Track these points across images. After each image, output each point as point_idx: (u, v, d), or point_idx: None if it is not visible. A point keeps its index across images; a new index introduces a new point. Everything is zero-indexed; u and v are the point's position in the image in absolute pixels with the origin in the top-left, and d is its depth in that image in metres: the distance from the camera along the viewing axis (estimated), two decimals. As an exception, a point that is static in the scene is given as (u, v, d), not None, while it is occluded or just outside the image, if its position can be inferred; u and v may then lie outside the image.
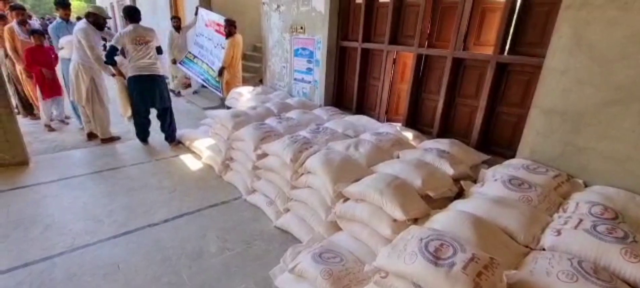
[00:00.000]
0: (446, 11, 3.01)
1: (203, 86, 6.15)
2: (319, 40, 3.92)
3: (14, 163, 3.14)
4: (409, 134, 3.02)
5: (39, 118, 4.55)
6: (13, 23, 3.99)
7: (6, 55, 4.20)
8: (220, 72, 5.27)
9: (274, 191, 2.62)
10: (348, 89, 4.04)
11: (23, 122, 4.54)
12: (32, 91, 4.33)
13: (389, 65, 3.50)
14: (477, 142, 2.88)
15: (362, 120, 3.42)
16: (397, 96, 3.68)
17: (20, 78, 4.32)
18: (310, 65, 4.16)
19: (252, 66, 6.92)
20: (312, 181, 2.32)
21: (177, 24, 6.57)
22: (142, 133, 3.87)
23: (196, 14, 6.18)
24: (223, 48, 5.36)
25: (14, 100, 4.61)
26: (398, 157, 2.56)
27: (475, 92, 2.92)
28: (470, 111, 2.96)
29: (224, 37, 5.24)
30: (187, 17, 7.23)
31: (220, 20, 5.33)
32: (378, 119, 3.59)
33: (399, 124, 3.45)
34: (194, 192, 2.94)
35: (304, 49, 4.19)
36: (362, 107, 3.93)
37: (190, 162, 3.56)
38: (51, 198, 2.71)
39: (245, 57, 7.46)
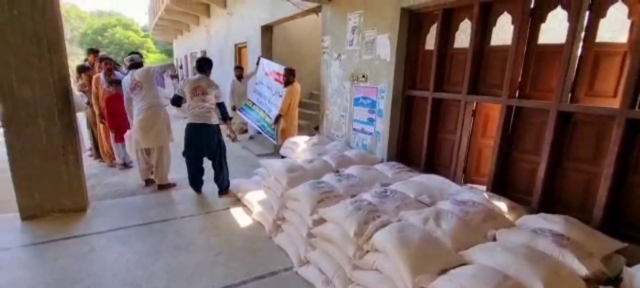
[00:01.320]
0: (545, 56, 2.49)
1: (259, 132, 6.16)
2: (383, 89, 3.59)
3: (73, 209, 3.16)
4: (501, 204, 2.40)
5: (105, 161, 4.79)
6: (101, 74, 4.35)
7: (88, 103, 4.57)
8: (276, 120, 5.18)
9: (332, 267, 2.17)
10: (415, 143, 3.57)
11: (93, 164, 4.83)
12: (104, 136, 4.60)
13: (468, 118, 2.99)
14: (600, 220, 2.18)
15: (434, 180, 2.89)
16: (478, 153, 3.11)
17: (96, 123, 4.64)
18: (371, 116, 3.81)
19: (308, 113, 6.83)
20: (381, 263, 1.84)
21: (239, 73, 6.85)
22: (193, 182, 3.79)
23: (258, 63, 6.40)
24: (281, 96, 5.32)
25: (89, 143, 4.95)
26: (495, 239, 1.97)
27: (594, 155, 2.26)
28: (588, 179, 2.29)
29: (282, 85, 5.22)
30: (249, 67, 7.55)
31: (280, 69, 5.36)
32: (453, 180, 3.03)
33: (482, 188, 2.84)
34: (240, 255, 2.61)
35: (365, 98, 3.89)
36: (433, 164, 3.40)
37: (241, 218, 3.30)
38: (98, 252, 2.58)
39: (301, 104, 7.45)
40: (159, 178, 3.98)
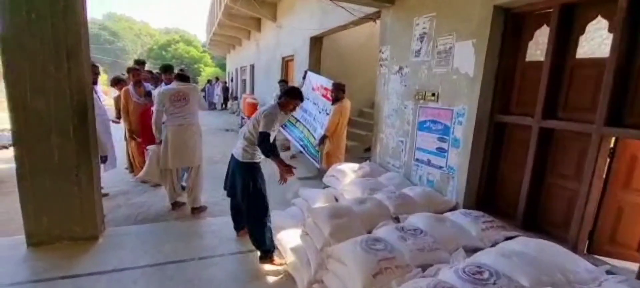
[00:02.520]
0: None
1: (301, 152, 5.56)
2: (461, 111, 2.73)
3: (84, 237, 2.75)
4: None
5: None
6: (130, 85, 4.08)
7: (119, 117, 4.31)
8: (321, 141, 4.52)
9: None
10: (508, 187, 2.63)
11: (126, 179, 4.55)
12: (136, 151, 4.29)
13: (602, 159, 2.02)
14: None
15: (548, 250, 1.92)
16: (617, 212, 2.10)
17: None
18: (442, 145, 2.95)
19: (357, 133, 6.08)
20: None
21: (284, 87, 6.35)
22: (232, 218, 3.04)
23: (304, 77, 5.86)
24: (327, 114, 4.67)
25: (127, 158, 4.70)
26: None
27: None
28: None
29: (330, 102, 4.58)
30: (295, 82, 7.08)
31: (328, 84, 4.73)
32: (574, 248, 2.05)
33: (622, 264, 1.84)
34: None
35: (434, 121, 3.04)
36: (537, 220, 2.43)
37: (269, 265, 2.62)
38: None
39: (350, 122, 6.74)
40: (192, 200, 3.54)
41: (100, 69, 4.19)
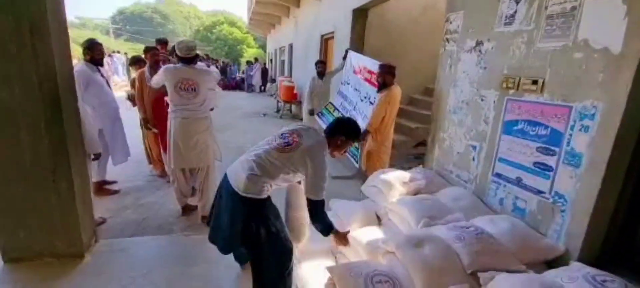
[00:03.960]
0: None
1: (339, 147, 4.74)
2: (590, 111, 1.71)
3: (68, 254, 2.26)
4: None
5: (156, 170, 4.02)
6: (145, 68, 3.53)
7: (130, 99, 3.81)
8: (363, 136, 3.67)
9: None
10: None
11: (143, 173, 4.11)
12: (152, 141, 3.79)
13: None
14: None
15: None
16: None
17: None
18: (547, 159, 1.96)
19: (406, 126, 5.09)
20: None
21: (321, 69, 5.52)
22: (234, 255, 2.20)
23: (345, 57, 4.98)
24: (371, 103, 3.80)
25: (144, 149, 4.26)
26: None
27: None
28: None
29: (375, 89, 3.68)
30: (334, 63, 6.20)
31: (374, 66, 3.83)
32: None
33: None
34: None
35: (533, 123, 2.04)
36: None
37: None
38: None
39: (399, 112, 5.77)
40: (202, 207, 2.97)
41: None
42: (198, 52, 2.91)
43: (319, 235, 2.45)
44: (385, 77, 3.44)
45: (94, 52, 3.17)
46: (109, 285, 2.09)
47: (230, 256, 2.17)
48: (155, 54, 3.56)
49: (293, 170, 1.71)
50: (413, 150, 4.90)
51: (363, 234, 2.25)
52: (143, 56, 3.94)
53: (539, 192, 2.01)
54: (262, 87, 15.32)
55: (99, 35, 26.68)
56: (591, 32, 1.70)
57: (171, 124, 2.78)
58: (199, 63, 3.05)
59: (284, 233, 1.78)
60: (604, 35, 1.64)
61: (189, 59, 2.67)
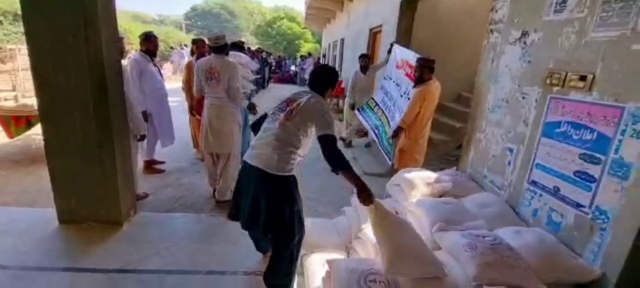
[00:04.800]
0: None
1: (375, 142, 4.63)
2: (645, 113, 1.41)
3: (108, 221, 2.57)
4: None
5: (199, 154, 4.34)
6: (193, 58, 3.82)
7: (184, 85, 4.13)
8: (395, 133, 3.52)
9: None
10: None
11: (188, 155, 4.47)
12: (196, 127, 4.10)
13: None
14: None
15: None
16: None
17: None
18: (589, 168, 1.67)
19: (450, 125, 4.76)
20: None
21: (364, 62, 5.41)
22: (252, 238, 2.25)
23: (389, 51, 4.80)
24: (409, 98, 3.61)
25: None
26: None
27: None
28: None
29: (413, 84, 3.50)
30: (381, 58, 6.02)
31: (413, 59, 3.62)
32: None
33: None
34: None
35: (577, 125, 1.75)
36: None
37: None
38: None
39: (443, 109, 5.40)
40: (219, 192, 3.14)
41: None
42: (239, 41, 3.05)
43: (336, 229, 2.45)
44: (423, 72, 3.25)
45: (149, 44, 3.51)
46: (137, 252, 2.32)
47: (247, 237, 2.27)
48: (202, 46, 3.82)
49: (306, 128, 1.78)
50: (454, 152, 4.55)
51: (375, 232, 2.17)
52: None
53: (578, 206, 1.72)
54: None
55: (174, 30, 29.50)
56: (655, 18, 1.39)
57: (205, 109, 2.98)
58: (236, 53, 3.21)
59: (302, 216, 1.87)
60: (670, 20, 1.33)
61: (217, 48, 2.81)
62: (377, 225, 1.66)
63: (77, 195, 2.51)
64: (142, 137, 3.02)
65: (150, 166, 3.86)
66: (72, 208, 2.53)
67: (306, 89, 2.00)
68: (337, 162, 1.67)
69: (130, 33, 13.30)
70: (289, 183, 1.80)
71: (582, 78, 1.72)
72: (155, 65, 3.65)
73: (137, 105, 2.89)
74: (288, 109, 1.82)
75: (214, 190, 3.29)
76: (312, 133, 1.82)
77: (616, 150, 1.53)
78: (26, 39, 2.19)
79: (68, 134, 2.37)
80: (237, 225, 1.99)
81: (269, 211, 1.75)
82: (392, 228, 1.67)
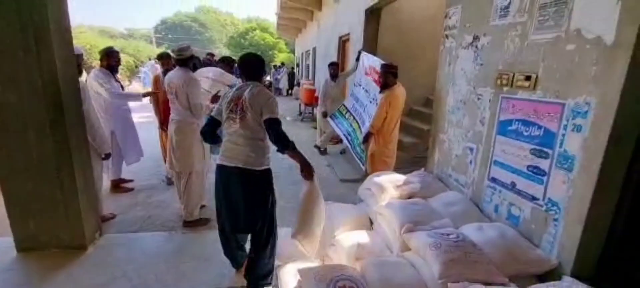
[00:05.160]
0: None
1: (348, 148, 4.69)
2: (583, 108, 1.54)
3: (72, 246, 2.44)
4: None
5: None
6: (160, 73, 3.73)
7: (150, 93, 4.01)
8: (366, 139, 3.60)
9: None
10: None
11: (160, 172, 4.32)
12: (165, 146, 3.98)
13: None
14: None
15: None
16: None
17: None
18: (540, 162, 1.79)
19: (419, 128, 4.92)
20: None
21: (334, 71, 5.50)
22: (227, 254, 2.26)
23: (357, 59, 4.91)
24: (377, 104, 3.71)
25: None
26: None
27: None
28: None
29: (379, 89, 3.60)
30: (350, 65, 6.14)
31: (379, 65, 3.74)
32: None
33: None
34: None
35: (527, 122, 1.88)
36: None
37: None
38: None
39: (412, 113, 5.58)
40: (187, 213, 2.96)
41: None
42: (228, 56, 3.00)
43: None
44: (387, 77, 3.35)
45: (111, 60, 3.41)
46: (103, 276, 2.22)
47: (221, 253, 2.23)
48: (168, 62, 3.75)
49: (261, 117, 1.89)
50: (423, 154, 4.69)
51: (346, 238, 2.20)
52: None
53: (533, 199, 1.83)
54: (289, 91, 15.57)
55: (144, 44, 28.66)
56: (583, 22, 1.53)
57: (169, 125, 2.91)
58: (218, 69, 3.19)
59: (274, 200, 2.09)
60: (596, 23, 1.47)
61: (181, 61, 2.76)
62: (307, 196, 1.95)
63: (36, 219, 2.37)
64: (107, 155, 2.89)
65: (118, 185, 3.70)
66: (31, 234, 2.38)
67: (244, 82, 2.05)
68: (283, 142, 1.85)
69: (97, 48, 12.80)
70: (269, 176, 2.03)
71: (527, 78, 1.85)
72: (117, 80, 3.53)
73: (100, 123, 2.78)
74: (238, 108, 1.92)
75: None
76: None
77: (561, 144, 1.65)
78: (-30, 58, 2.07)
79: (22, 155, 2.24)
80: (209, 241, 2.00)
81: (252, 206, 1.97)
82: (313, 203, 1.97)
